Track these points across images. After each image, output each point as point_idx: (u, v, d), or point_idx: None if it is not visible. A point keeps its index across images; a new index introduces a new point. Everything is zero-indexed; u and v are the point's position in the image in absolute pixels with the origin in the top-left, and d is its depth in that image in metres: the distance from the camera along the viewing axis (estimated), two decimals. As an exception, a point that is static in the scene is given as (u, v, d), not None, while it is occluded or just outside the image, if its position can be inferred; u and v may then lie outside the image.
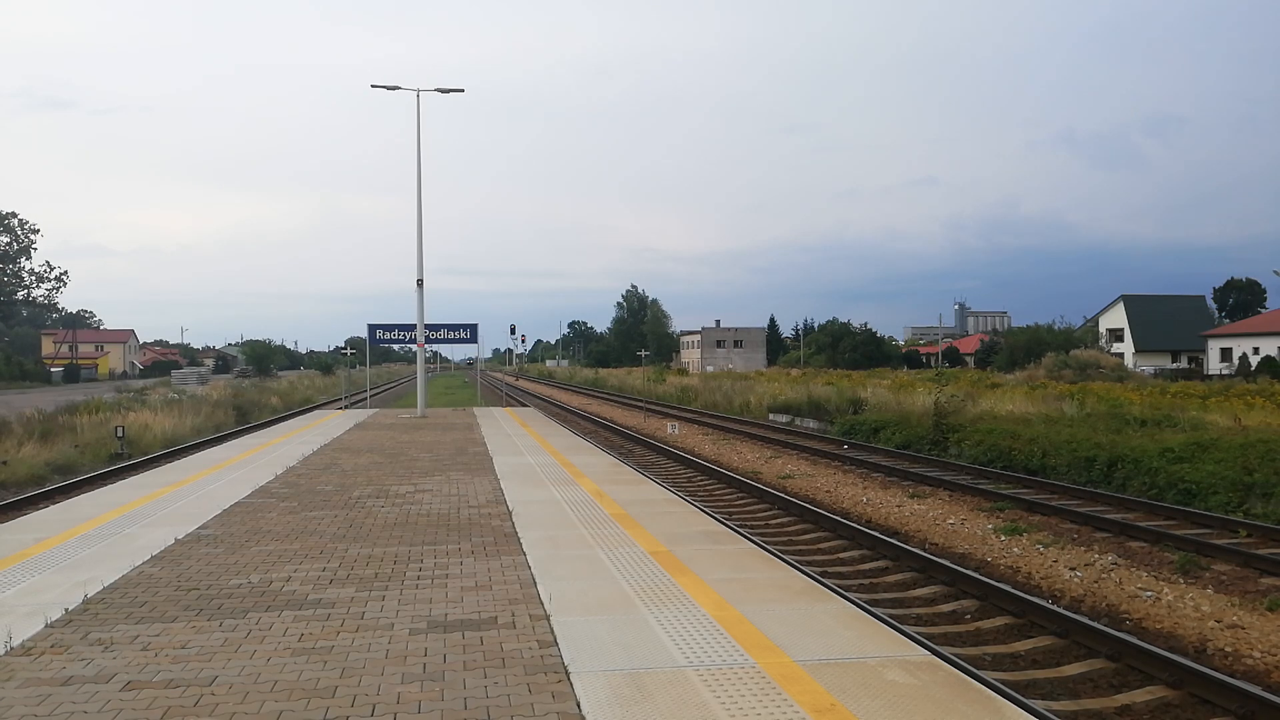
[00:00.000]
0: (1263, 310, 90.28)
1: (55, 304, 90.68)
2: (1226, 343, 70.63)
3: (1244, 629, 8.18)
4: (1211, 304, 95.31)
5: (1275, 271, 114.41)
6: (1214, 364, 67.97)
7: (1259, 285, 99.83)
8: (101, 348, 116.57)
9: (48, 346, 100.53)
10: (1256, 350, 63.90)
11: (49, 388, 70.84)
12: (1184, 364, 71.93)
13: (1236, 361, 63.48)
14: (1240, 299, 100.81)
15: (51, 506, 11.08)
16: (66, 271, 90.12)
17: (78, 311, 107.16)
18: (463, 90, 25.62)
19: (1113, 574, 10.08)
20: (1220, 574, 10.03)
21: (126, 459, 20.80)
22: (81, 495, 11.93)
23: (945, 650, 6.84)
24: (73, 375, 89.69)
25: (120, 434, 22.16)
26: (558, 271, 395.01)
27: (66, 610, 5.91)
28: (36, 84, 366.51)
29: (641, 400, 44.24)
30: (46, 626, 5.58)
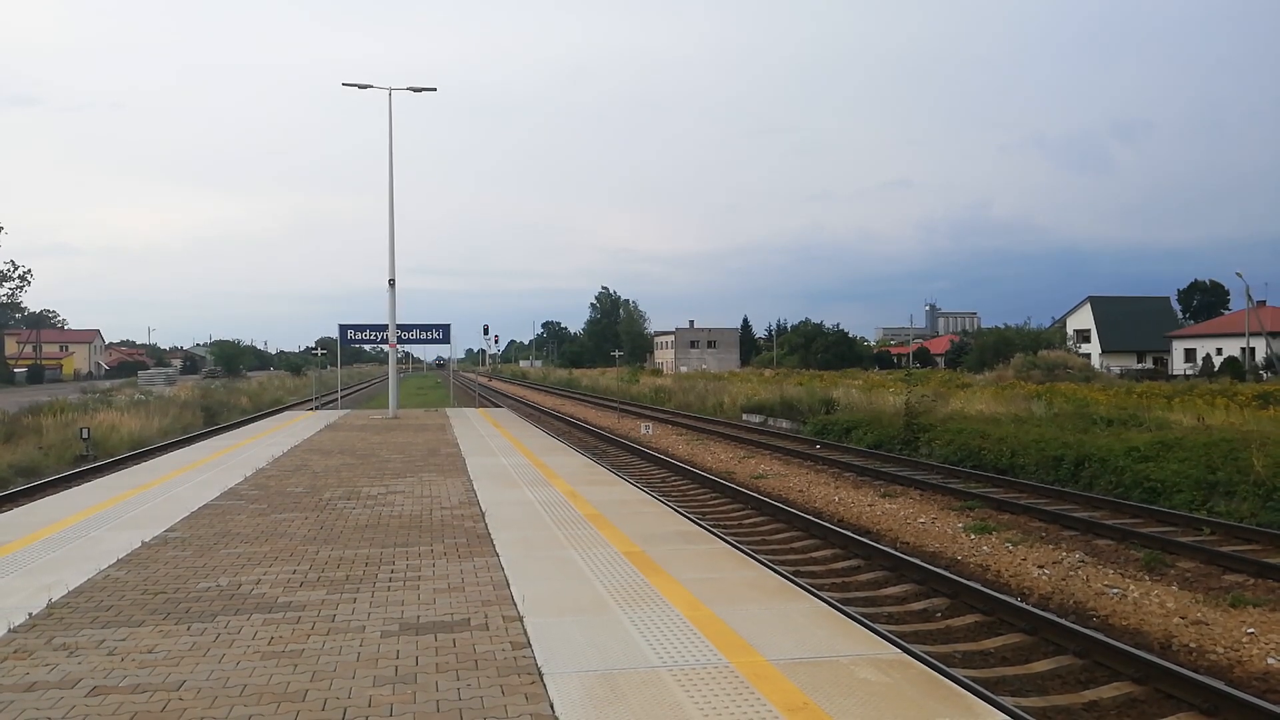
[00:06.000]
0: (1226, 312, 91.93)
1: (19, 303, 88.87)
2: (1190, 343, 71.85)
3: (1208, 625, 8.32)
4: (1176, 305, 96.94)
5: (1238, 274, 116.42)
6: (1178, 364, 69.10)
7: (1223, 287, 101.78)
8: (66, 348, 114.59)
9: (11, 347, 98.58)
10: (1219, 351, 65.06)
11: (12, 388, 69.56)
12: (1149, 364, 73.05)
13: (1200, 362, 64.59)
14: (1204, 301, 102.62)
15: (14, 509, 10.87)
16: (30, 270, 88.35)
17: (41, 311, 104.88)
18: (435, 89, 25.54)
19: (1080, 571, 10.21)
20: (1185, 571, 10.19)
21: (92, 461, 20.49)
22: (46, 498, 11.74)
23: (916, 648, 6.90)
24: (37, 376, 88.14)
25: (85, 435, 21.82)
26: (532, 272, 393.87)
27: (30, 615, 5.80)
28: (3, 80, 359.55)
29: (615, 401, 44.22)
30: (9, 632, 5.48)
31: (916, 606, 9.22)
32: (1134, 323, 79.25)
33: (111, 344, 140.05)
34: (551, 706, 4.33)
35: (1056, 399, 26.32)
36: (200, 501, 10.28)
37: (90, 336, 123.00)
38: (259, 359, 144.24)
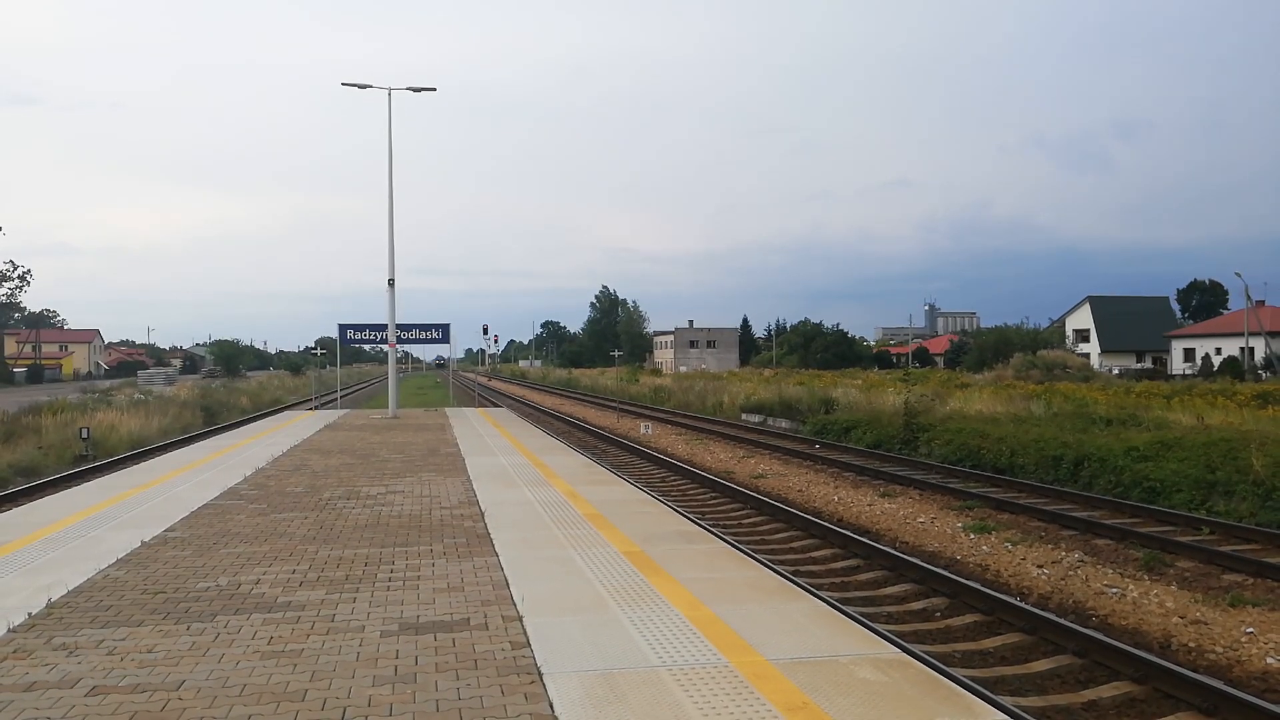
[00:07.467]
0: (1225, 311, 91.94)
1: (18, 303, 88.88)
2: (1190, 343, 71.88)
3: (1207, 625, 8.33)
4: (1175, 305, 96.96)
5: (1237, 274, 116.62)
6: (1178, 364, 69.14)
7: (1222, 287, 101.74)
8: (66, 348, 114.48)
9: (10, 347, 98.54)
10: (1219, 351, 65.09)
11: (12, 388, 69.53)
12: (1148, 364, 73.06)
13: (1199, 361, 64.61)
14: (1203, 300, 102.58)
15: (14, 509, 10.88)
16: (30, 270, 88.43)
17: (41, 311, 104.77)
18: (434, 89, 25.50)
19: (1079, 571, 10.22)
20: (1184, 571, 10.20)
21: (92, 461, 20.49)
22: (45, 497, 11.74)
23: (916, 648, 6.90)
24: (36, 376, 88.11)
25: (85, 435, 21.82)
26: (532, 272, 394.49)
27: (30, 615, 5.81)
28: (3, 80, 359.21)
29: (615, 400, 44.23)
30: (9, 631, 5.48)
31: (916, 606, 9.22)
32: (1133, 322, 79.27)
33: (111, 344, 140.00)
34: (551, 706, 4.33)
35: (1055, 399, 26.32)
36: (200, 501, 10.29)
37: (90, 336, 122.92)
38: (259, 359, 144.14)
